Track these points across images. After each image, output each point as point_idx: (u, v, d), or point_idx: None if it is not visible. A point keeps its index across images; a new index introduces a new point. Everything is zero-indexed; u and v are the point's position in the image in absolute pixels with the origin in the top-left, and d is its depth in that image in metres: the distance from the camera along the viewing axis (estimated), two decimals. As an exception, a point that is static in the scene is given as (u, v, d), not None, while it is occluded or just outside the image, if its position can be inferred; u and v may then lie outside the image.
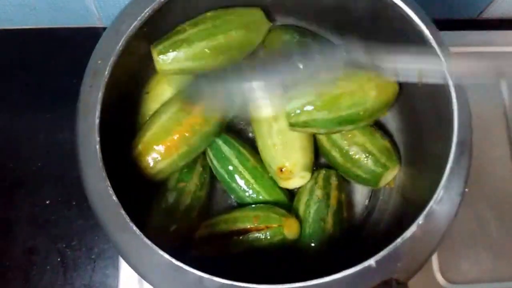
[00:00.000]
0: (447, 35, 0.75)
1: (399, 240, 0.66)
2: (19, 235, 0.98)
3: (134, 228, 0.66)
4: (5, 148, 1.03)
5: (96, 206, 0.68)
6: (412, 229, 0.67)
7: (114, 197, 0.67)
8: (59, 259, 0.96)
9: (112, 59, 0.71)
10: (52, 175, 1.01)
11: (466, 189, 0.70)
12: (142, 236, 0.65)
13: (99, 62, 0.72)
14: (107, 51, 0.72)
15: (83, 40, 1.09)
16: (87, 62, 0.74)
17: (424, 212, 0.68)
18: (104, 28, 1.05)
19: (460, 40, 1.08)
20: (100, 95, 0.70)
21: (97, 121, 0.69)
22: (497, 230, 0.99)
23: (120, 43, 0.72)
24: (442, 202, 0.68)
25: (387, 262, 0.65)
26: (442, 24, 0.74)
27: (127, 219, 0.66)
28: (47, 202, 0.99)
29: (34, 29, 1.11)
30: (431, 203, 0.68)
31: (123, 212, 0.66)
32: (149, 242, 0.65)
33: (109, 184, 0.67)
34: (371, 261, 0.65)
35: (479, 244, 0.98)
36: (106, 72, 0.71)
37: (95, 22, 1.09)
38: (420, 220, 0.67)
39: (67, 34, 1.11)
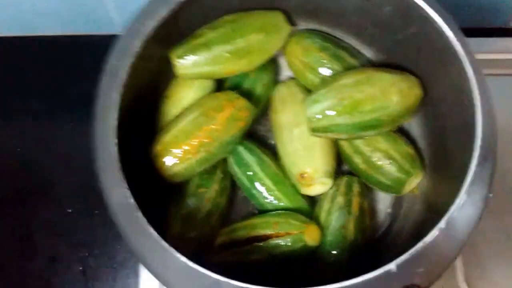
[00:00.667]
0: (475, 41, 0.72)
1: (420, 244, 0.65)
2: (40, 244, 0.97)
3: (152, 230, 0.65)
4: (27, 156, 1.03)
5: (114, 209, 0.67)
6: (434, 233, 0.65)
7: (132, 200, 0.66)
8: (80, 268, 0.96)
9: (129, 60, 0.71)
10: (74, 183, 1.00)
11: (490, 195, 0.68)
12: (160, 239, 0.64)
13: (117, 63, 0.71)
14: (124, 52, 0.72)
15: (105, 47, 1.07)
16: None
17: (446, 217, 0.66)
18: None
19: (488, 47, 1.06)
20: (117, 96, 0.69)
21: (115, 122, 0.68)
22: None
23: (137, 44, 0.71)
24: (465, 206, 0.66)
25: (408, 266, 0.64)
26: (468, 33, 0.72)
27: (145, 222, 0.65)
28: (69, 210, 0.99)
29: (57, 36, 1.11)
30: (453, 207, 0.66)
31: (140, 215, 0.65)
32: (166, 244, 0.64)
33: (127, 187, 0.66)
34: (392, 265, 0.63)
35: (507, 255, 0.95)
36: (124, 73, 0.70)
37: (116, 29, 1.06)
38: (442, 224, 0.65)
39: (89, 42, 1.11)
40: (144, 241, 0.65)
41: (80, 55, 1.10)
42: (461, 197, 0.67)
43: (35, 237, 0.97)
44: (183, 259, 0.63)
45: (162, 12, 0.72)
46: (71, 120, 1.04)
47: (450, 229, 0.66)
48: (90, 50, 1.08)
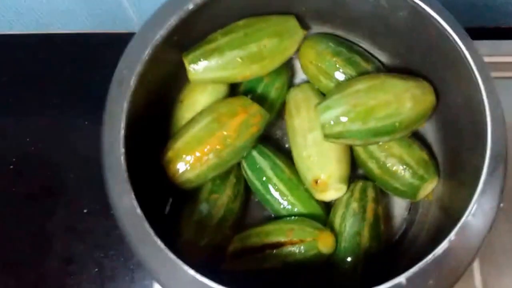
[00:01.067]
0: (486, 44, 0.71)
1: (430, 256, 0.63)
2: (56, 244, 0.97)
3: (159, 242, 0.64)
4: (43, 156, 1.03)
5: (121, 219, 0.66)
6: (444, 245, 0.64)
7: (139, 210, 0.65)
8: (96, 269, 0.95)
9: (138, 68, 0.70)
10: (90, 184, 0.99)
11: (501, 204, 0.67)
12: (167, 250, 0.63)
13: (125, 71, 0.70)
14: (133, 60, 0.71)
15: (122, 45, 1.08)
16: None
17: (456, 228, 0.65)
18: None
19: (499, 49, 1.03)
20: (125, 105, 0.69)
21: (122, 132, 0.68)
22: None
23: (146, 52, 0.71)
24: (475, 217, 0.65)
25: (417, 279, 0.63)
26: (477, 32, 0.71)
27: (151, 232, 0.64)
28: (85, 211, 0.98)
29: (71, 34, 1.11)
30: (463, 218, 0.65)
31: (147, 225, 0.65)
32: (173, 256, 0.63)
33: (134, 197, 0.65)
34: (402, 278, 0.62)
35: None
36: (132, 82, 0.69)
37: (134, 27, 1.09)
38: (452, 236, 0.64)
39: (106, 39, 1.11)
40: (152, 252, 0.64)
41: (98, 53, 1.10)
42: (471, 207, 0.65)
43: (51, 237, 0.97)
44: (191, 272, 0.62)
45: (172, 20, 0.72)
46: (90, 119, 1.04)
47: (461, 240, 0.64)
48: (108, 48, 1.08)
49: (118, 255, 0.96)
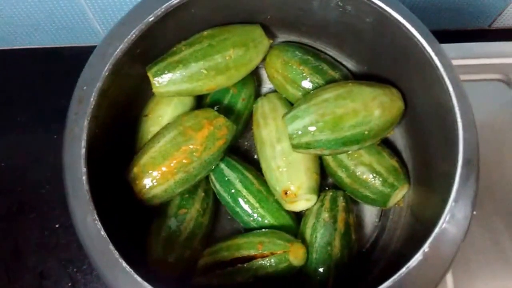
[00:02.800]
0: (456, 47, 0.68)
1: (404, 270, 0.61)
2: (29, 260, 0.94)
3: (124, 264, 0.60)
4: (13, 171, 1.00)
5: (85, 241, 0.63)
6: (418, 257, 0.61)
7: (103, 232, 0.61)
8: (70, 284, 0.92)
9: (98, 85, 0.66)
10: (61, 198, 0.92)
11: (474, 212, 0.64)
12: (133, 273, 0.60)
13: (85, 88, 0.66)
14: (93, 77, 0.67)
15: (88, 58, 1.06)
16: None
17: (430, 239, 0.62)
18: None
19: (470, 52, 1.00)
20: (85, 123, 0.65)
21: (83, 151, 0.64)
22: (512, 246, 0.92)
23: (106, 68, 0.66)
24: (449, 226, 0.63)
25: (392, 292, 0.59)
26: (455, 35, 0.68)
27: (117, 255, 0.61)
28: (57, 226, 0.95)
29: (39, 49, 1.08)
30: (437, 229, 0.62)
31: (112, 247, 0.61)
32: (139, 279, 0.60)
33: (97, 218, 0.62)
34: (376, 292, 0.59)
35: (495, 262, 0.90)
36: (92, 99, 0.65)
37: (100, 40, 1.03)
38: (426, 247, 0.62)
39: (72, 53, 1.08)
40: (118, 275, 0.60)
41: (65, 67, 1.05)
42: (445, 217, 0.63)
43: (24, 253, 0.94)
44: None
45: (132, 34, 0.67)
46: (58, 132, 0.97)
47: (435, 251, 0.62)
48: (75, 61, 1.03)
49: (91, 269, 0.93)
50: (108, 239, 0.61)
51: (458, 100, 0.66)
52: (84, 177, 0.63)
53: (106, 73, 0.66)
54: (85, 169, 0.63)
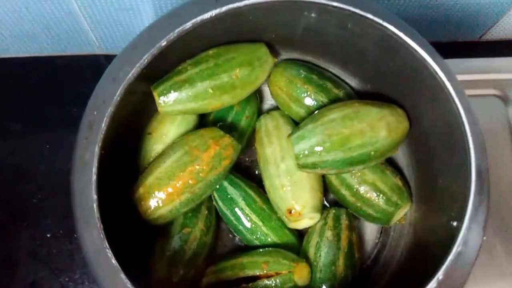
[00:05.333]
0: (452, 62, 0.67)
1: None
2: (21, 269, 0.91)
3: (138, 295, 0.57)
4: (5, 180, 0.97)
5: (95, 269, 0.60)
6: (432, 285, 0.60)
7: (114, 261, 0.58)
8: None
9: (109, 110, 0.62)
10: (53, 208, 0.94)
11: (484, 237, 0.63)
12: None
13: (95, 113, 0.63)
14: (104, 101, 0.63)
15: (83, 68, 1.05)
16: (89, 90, 0.66)
17: (444, 267, 0.60)
18: (105, 55, 1.04)
19: (463, 66, 1.00)
20: (97, 149, 0.61)
21: (94, 177, 0.61)
22: (508, 261, 0.90)
23: (118, 93, 0.63)
24: (462, 254, 0.61)
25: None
26: (445, 47, 0.66)
27: (129, 284, 0.58)
28: (48, 235, 0.93)
29: (32, 58, 1.05)
30: (451, 256, 0.61)
31: (123, 276, 0.58)
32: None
33: (108, 246, 0.59)
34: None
35: (490, 277, 0.89)
36: (103, 124, 0.62)
37: (94, 49, 1.04)
38: (440, 275, 0.60)
39: (66, 62, 1.05)
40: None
41: (59, 76, 1.04)
42: (458, 245, 0.61)
43: (16, 263, 0.91)
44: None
45: (144, 57, 0.64)
46: (52, 143, 0.98)
47: (448, 278, 0.60)
48: (69, 71, 1.04)
49: (83, 279, 0.91)
50: (119, 267, 0.58)
51: (468, 121, 0.64)
52: (95, 205, 0.60)
53: (118, 99, 0.63)
54: (95, 196, 0.60)
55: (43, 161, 0.97)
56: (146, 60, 0.63)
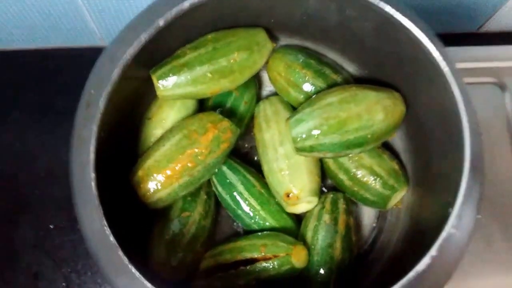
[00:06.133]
0: (451, 50, 0.67)
1: (412, 273, 0.59)
2: (24, 260, 0.91)
3: (134, 270, 0.58)
4: (8, 172, 0.97)
5: (93, 247, 0.60)
6: (426, 261, 0.60)
7: (112, 238, 0.58)
8: (64, 284, 0.90)
9: (107, 89, 0.62)
10: (56, 199, 0.94)
11: (479, 216, 0.64)
12: (143, 279, 0.57)
13: (92, 92, 0.63)
14: (101, 81, 0.63)
15: (85, 59, 1.02)
16: None
17: (437, 243, 0.60)
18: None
19: (462, 55, 1.01)
20: (94, 128, 0.61)
21: (92, 156, 0.61)
22: (506, 249, 0.91)
23: (115, 71, 0.63)
24: (455, 232, 0.61)
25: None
26: (443, 38, 0.66)
27: (126, 261, 0.58)
28: (51, 226, 0.93)
29: (35, 50, 1.05)
30: (444, 234, 0.61)
31: (121, 253, 0.58)
32: (149, 285, 0.57)
33: (106, 224, 0.59)
34: (385, 298, 0.58)
35: (488, 264, 0.90)
36: (101, 103, 0.62)
37: (96, 41, 1.04)
38: (434, 252, 0.60)
39: (68, 54, 1.05)
40: (126, 281, 0.58)
41: (61, 68, 1.04)
42: (451, 222, 0.61)
43: (18, 254, 0.91)
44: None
45: (141, 38, 0.64)
46: (51, 133, 0.99)
47: (441, 255, 0.60)
48: (71, 63, 1.04)
49: (85, 270, 0.91)
50: (117, 245, 0.58)
51: (465, 106, 0.64)
52: (93, 183, 0.60)
53: (115, 77, 0.63)
54: (93, 174, 0.60)
55: (46, 152, 0.97)
56: (143, 40, 0.63)
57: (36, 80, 1.03)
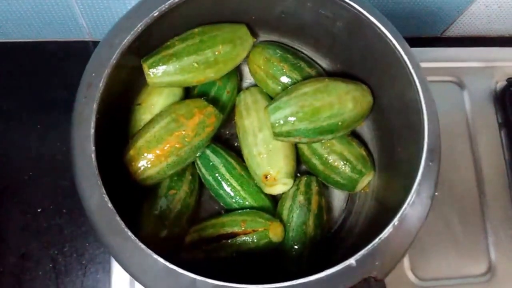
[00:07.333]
0: (415, 51, 0.73)
1: (377, 240, 0.65)
2: (12, 242, 0.93)
3: (129, 233, 0.62)
4: None
5: (92, 214, 0.64)
6: (389, 229, 0.65)
7: (110, 204, 0.63)
8: (51, 265, 0.93)
9: (106, 72, 0.68)
10: (43, 184, 0.97)
11: (436, 193, 0.69)
12: (137, 241, 0.62)
13: (93, 74, 0.68)
14: (101, 64, 0.68)
15: (73, 53, 1.07)
16: (77, 75, 0.70)
17: (399, 214, 0.66)
18: (94, 42, 1.06)
19: (425, 56, 1.07)
20: (94, 106, 0.66)
21: (92, 131, 0.66)
22: (461, 230, 0.97)
23: (114, 56, 0.68)
24: (415, 205, 0.67)
25: (366, 260, 0.64)
26: (410, 41, 0.73)
27: (122, 225, 0.63)
28: (39, 210, 0.95)
29: (23, 42, 1.07)
30: (405, 205, 0.67)
31: (118, 218, 0.63)
32: (143, 246, 0.62)
33: (104, 192, 0.64)
34: (352, 260, 0.63)
35: (446, 244, 0.96)
36: (101, 84, 0.67)
37: (84, 35, 1.06)
38: (396, 221, 0.66)
39: (56, 48, 1.07)
40: (122, 243, 0.62)
41: (50, 61, 1.07)
42: (412, 195, 0.67)
43: (6, 236, 0.93)
44: (161, 260, 0.61)
45: (138, 25, 0.70)
46: (40, 123, 1.01)
47: (402, 225, 0.66)
48: (59, 55, 1.07)
49: (72, 252, 0.94)
50: (114, 210, 0.63)
51: (424, 94, 0.70)
52: (93, 155, 0.65)
53: (114, 62, 0.68)
54: (93, 147, 0.65)
55: (35, 140, 0.99)
56: (140, 28, 0.69)
57: (26, 72, 1.05)
